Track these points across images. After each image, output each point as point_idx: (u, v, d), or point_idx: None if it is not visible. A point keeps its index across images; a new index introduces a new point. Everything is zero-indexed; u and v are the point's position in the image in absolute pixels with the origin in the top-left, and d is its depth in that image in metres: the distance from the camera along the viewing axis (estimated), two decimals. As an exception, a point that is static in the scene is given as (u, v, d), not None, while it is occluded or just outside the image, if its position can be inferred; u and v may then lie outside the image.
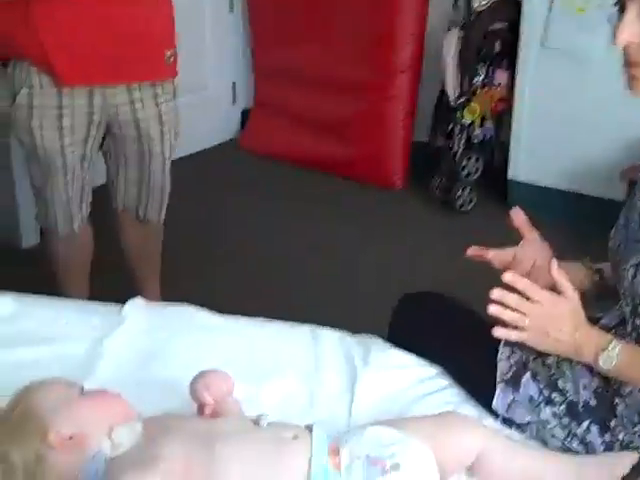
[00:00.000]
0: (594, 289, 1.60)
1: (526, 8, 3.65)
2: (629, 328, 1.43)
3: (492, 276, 3.31)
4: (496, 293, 1.35)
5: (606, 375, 1.39)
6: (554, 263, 1.36)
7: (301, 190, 4.13)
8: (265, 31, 4.51)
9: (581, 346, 1.37)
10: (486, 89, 3.82)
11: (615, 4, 1.27)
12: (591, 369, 1.45)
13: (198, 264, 3.36)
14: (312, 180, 4.20)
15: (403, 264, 3.43)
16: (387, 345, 1.69)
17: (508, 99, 3.86)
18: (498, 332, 1.35)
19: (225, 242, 3.59)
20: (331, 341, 1.69)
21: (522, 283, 1.36)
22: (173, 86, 2.46)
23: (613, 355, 1.34)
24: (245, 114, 4.77)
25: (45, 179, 2.37)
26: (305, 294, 3.14)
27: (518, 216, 1.60)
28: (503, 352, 1.55)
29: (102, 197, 2.62)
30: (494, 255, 1.61)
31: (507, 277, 1.37)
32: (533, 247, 1.59)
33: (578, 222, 3.46)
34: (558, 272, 1.36)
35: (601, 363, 1.36)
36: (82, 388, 1.31)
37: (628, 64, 1.28)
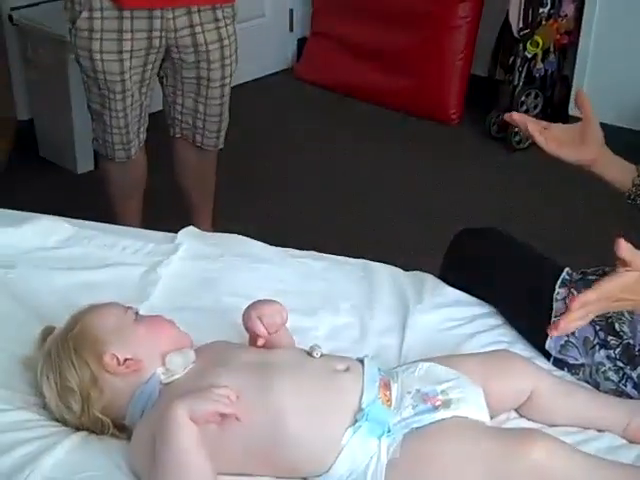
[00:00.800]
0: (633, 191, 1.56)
1: (598, -63, 3.52)
2: None
3: (547, 212, 3.31)
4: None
5: None
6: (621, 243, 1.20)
7: (356, 122, 4.08)
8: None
9: None
10: (551, 21, 3.70)
11: None
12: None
13: (252, 193, 3.37)
14: (367, 112, 4.15)
15: (459, 200, 3.39)
16: (440, 282, 1.68)
17: (574, 32, 3.74)
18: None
19: (280, 172, 3.59)
20: (384, 276, 1.68)
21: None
22: (233, 10, 2.42)
23: None
24: (302, 43, 4.70)
25: (103, 103, 2.37)
26: (361, 227, 3.13)
27: (584, 100, 1.53)
28: (559, 293, 1.53)
29: (158, 123, 2.62)
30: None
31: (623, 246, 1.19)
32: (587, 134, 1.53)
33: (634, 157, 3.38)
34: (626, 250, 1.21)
35: None
36: (137, 313, 1.32)
37: None
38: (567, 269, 1.58)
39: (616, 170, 1.57)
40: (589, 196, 3.08)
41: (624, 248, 1.17)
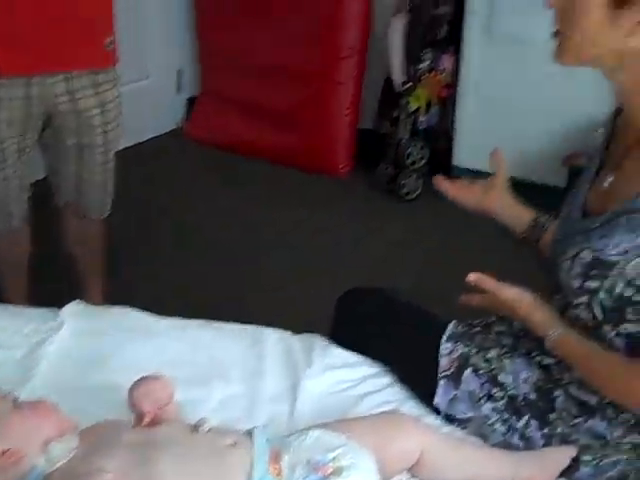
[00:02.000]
0: (523, 232, 1.66)
1: (470, -8, 3.66)
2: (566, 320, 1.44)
3: (437, 265, 3.36)
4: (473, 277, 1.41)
5: (552, 351, 1.41)
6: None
7: (247, 179, 4.10)
8: (210, 17, 4.45)
9: (534, 324, 1.41)
10: (432, 74, 3.83)
11: None
12: (530, 362, 1.47)
13: (144, 260, 3.31)
14: (259, 169, 4.17)
15: (349, 254, 3.43)
16: (330, 344, 1.68)
17: (454, 85, 3.87)
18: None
19: (174, 237, 3.54)
20: (274, 341, 1.68)
21: (489, 284, 1.41)
22: (114, 74, 2.40)
23: (555, 336, 1.37)
24: (191, 102, 4.71)
25: (-19, 174, 2.31)
26: (255, 289, 3.11)
27: (496, 151, 1.71)
28: (445, 348, 1.56)
29: (42, 192, 2.57)
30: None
31: (472, 277, 1.40)
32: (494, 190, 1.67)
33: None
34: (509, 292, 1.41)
35: (547, 343, 1.39)
36: (16, 399, 1.28)
37: (555, 35, 1.30)
38: (452, 323, 1.61)
39: (515, 214, 1.67)
40: (477, 244, 3.18)
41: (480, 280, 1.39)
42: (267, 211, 3.77)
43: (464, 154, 3.88)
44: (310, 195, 3.97)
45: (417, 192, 3.90)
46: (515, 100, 3.66)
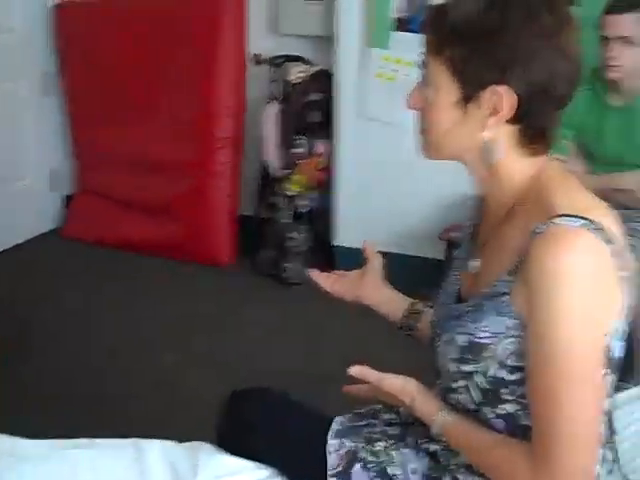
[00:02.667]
0: (403, 322, 1.67)
1: (338, 79, 3.76)
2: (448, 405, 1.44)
3: (325, 349, 3.34)
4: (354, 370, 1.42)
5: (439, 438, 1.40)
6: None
7: (129, 275, 4.02)
8: (83, 114, 4.42)
9: (419, 412, 1.41)
10: (308, 160, 3.88)
11: None
12: (418, 451, 1.46)
13: (22, 370, 3.13)
14: (140, 264, 4.11)
15: (235, 344, 3.37)
16: (216, 451, 1.63)
17: (330, 168, 3.93)
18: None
19: (54, 341, 3.39)
20: (155, 453, 1.61)
21: (371, 376, 1.42)
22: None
23: (440, 422, 1.37)
24: (68, 200, 4.62)
25: None
26: (135, 385, 3.01)
27: (367, 243, 1.72)
28: (331, 445, 1.53)
29: None
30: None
31: (354, 370, 1.41)
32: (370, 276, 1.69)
33: (407, 283, 3.52)
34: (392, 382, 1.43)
35: (433, 430, 1.38)
36: None
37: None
38: (337, 419, 1.59)
39: (391, 304, 1.69)
40: (364, 328, 3.18)
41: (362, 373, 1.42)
42: (150, 305, 3.69)
43: (345, 235, 3.92)
44: (194, 286, 3.92)
45: (302, 275, 3.91)
46: (390, 179, 3.74)
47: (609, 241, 1.19)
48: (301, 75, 3.79)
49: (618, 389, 1.39)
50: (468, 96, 1.26)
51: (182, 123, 4.04)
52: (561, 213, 1.19)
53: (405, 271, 3.69)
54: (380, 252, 3.81)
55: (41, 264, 4.17)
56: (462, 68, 1.24)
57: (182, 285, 3.93)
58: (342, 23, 3.67)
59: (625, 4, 2.62)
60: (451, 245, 3.31)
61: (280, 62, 3.85)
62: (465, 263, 1.45)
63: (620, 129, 2.84)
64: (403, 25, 3.54)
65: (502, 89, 1.23)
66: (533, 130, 1.28)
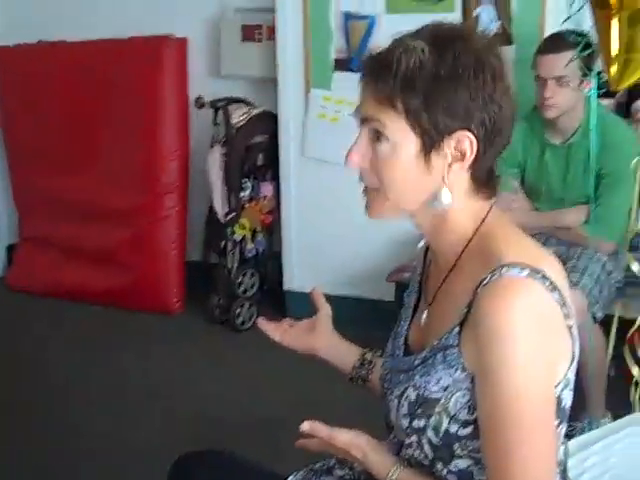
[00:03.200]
0: (354, 374, 1.62)
1: (282, 120, 3.73)
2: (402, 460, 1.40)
3: (278, 395, 3.27)
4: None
5: None
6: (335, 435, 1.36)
7: (76, 325, 3.93)
8: (23, 162, 4.36)
9: (372, 468, 1.37)
10: (254, 203, 3.84)
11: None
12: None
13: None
14: (88, 313, 4.02)
15: (186, 393, 3.29)
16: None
17: (276, 210, 3.89)
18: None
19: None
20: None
21: (322, 432, 1.36)
22: None
23: (394, 478, 1.32)
24: (11, 250, 4.52)
25: None
26: (83, 449, 2.89)
27: (316, 293, 1.68)
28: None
29: None
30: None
31: (305, 427, 1.35)
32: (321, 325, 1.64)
33: (359, 325, 3.47)
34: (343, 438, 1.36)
35: None
36: None
37: (363, 190, 1.29)
38: (291, 476, 1.56)
39: (341, 355, 1.63)
40: (319, 372, 3.13)
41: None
42: (98, 356, 3.59)
43: (294, 278, 3.88)
44: (144, 334, 3.83)
45: (252, 320, 3.84)
46: (337, 221, 3.70)
47: (554, 289, 1.18)
48: (244, 117, 3.75)
49: (569, 435, 1.36)
50: (431, 146, 1.21)
51: (126, 169, 3.99)
52: (507, 263, 1.17)
53: (356, 314, 3.65)
54: (330, 295, 3.78)
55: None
56: (422, 118, 1.20)
57: (131, 333, 3.84)
58: (283, 64, 3.66)
59: (558, 45, 2.64)
60: (400, 286, 3.27)
61: (222, 105, 3.81)
62: (413, 313, 1.43)
63: (559, 166, 2.85)
64: (343, 65, 3.53)
65: (467, 134, 1.20)
66: (483, 173, 1.26)
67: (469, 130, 1.21)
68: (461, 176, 1.24)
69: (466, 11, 3.24)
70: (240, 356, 3.61)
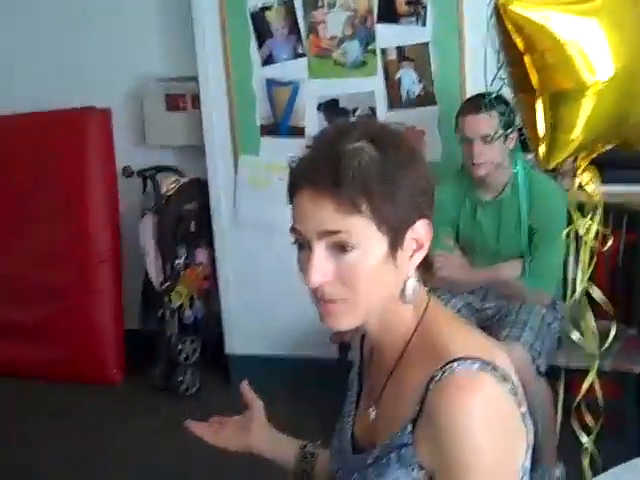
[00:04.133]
0: (297, 467, 1.58)
1: (212, 187, 3.76)
2: None
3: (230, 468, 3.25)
4: None
5: None
6: None
7: (14, 402, 3.85)
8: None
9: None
10: (189, 270, 3.84)
11: (294, 243, 1.23)
12: None
13: None
14: (27, 389, 3.93)
15: (129, 464, 3.26)
16: None
17: (213, 276, 3.89)
18: None
19: None
20: None
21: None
22: None
23: None
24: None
25: None
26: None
27: (244, 388, 1.62)
28: None
29: None
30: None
31: None
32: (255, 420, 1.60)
33: (303, 384, 3.52)
34: None
35: None
36: None
37: (321, 300, 1.22)
38: None
39: (280, 450, 1.59)
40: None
41: None
42: (35, 433, 3.54)
43: (236, 342, 3.88)
44: (84, 408, 3.78)
45: (196, 386, 3.84)
46: (275, 283, 3.72)
47: (505, 380, 1.18)
48: (173, 186, 3.76)
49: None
50: (397, 242, 1.20)
51: (57, 242, 3.95)
52: (457, 357, 1.17)
53: (300, 373, 3.68)
54: (273, 356, 3.79)
55: None
56: (389, 216, 1.18)
57: (71, 407, 3.78)
58: (210, 132, 3.69)
59: (478, 105, 2.72)
60: (343, 346, 3.31)
61: (151, 174, 3.81)
62: (357, 408, 1.41)
63: (492, 222, 2.94)
64: (269, 131, 3.58)
65: (426, 221, 1.22)
66: (428, 258, 1.26)
67: (425, 217, 1.22)
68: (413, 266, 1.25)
69: (388, 75, 3.33)
70: (182, 423, 3.57)
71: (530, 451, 1.24)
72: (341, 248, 1.18)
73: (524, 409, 1.22)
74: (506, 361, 1.23)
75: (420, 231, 1.22)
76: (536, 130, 1.68)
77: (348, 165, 1.16)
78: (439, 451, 1.16)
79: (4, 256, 4.07)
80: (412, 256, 1.22)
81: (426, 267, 1.28)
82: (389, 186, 1.18)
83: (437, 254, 1.32)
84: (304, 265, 1.21)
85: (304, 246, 1.22)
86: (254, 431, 1.59)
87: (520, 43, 1.57)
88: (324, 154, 1.19)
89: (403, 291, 1.24)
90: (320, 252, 1.19)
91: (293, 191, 1.22)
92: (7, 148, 4.02)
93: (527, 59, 1.59)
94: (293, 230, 1.22)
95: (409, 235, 1.21)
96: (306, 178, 1.19)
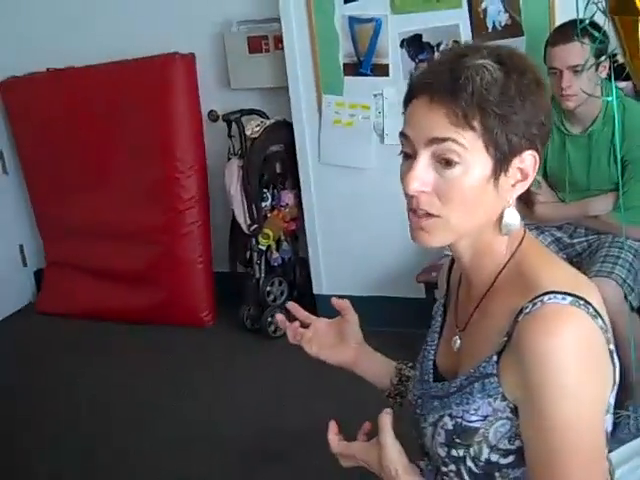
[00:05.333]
0: (392, 390, 1.57)
1: (297, 129, 3.74)
2: None
3: (321, 397, 3.30)
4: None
5: None
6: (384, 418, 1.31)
7: (110, 345, 3.98)
8: (45, 190, 4.40)
9: None
10: (275, 212, 3.86)
11: (400, 153, 1.23)
12: None
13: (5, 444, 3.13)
14: (121, 332, 4.07)
15: (228, 402, 3.35)
16: None
17: (299, 218, 3.91)
18: None
19: (40, 413, 3.38)
20: None
21: (383, 437, 1.31)
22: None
23: None
24: (39, 275, 4.57)
25: None
26: (129, 465, 2.99)
27: (336, 300, 1.58)
28: None
29: None
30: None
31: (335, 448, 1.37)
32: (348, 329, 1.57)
33: (391, 323, 3.52)
34: (384, 424, 1.31)
35: None
36: None
37: (414, 212, 1.22)
38: None
39: (376, 369, 1.58)
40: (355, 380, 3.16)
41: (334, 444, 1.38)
42: (139, 374, 3.66)
43: (323, 282, 3.91)
44: (178, 349, 3.88)
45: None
46: (360, 224, 3.72)
47: (597, 316, 1.17)
48: (258, 128, 3.77)
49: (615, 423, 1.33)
50: (502, 166, 1.18)
51: (145, 187, 4.01)
52: (548, 290, 1.16)
53: (389, 313, 3.69)
54: (361, 296, 3.79)
55: (18, 342, 4.12)
56: (498, 138, 1.16)
57: (166, 349, 3.89)
58: (293, 73, 3.66)
59: (568, 35, 2.62)
60: (429, 286, 3.29)
61: (236, 117, 3.82)
62: (440, 336, 1.41)
63: (582, 156, 2.85)
64: (352, 70, 3.53)
65: (533, 153, 1.19)
66: (527, 191, 1.24)
67: (535, 149, 1.19)
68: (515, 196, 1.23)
69: (472, 5, 3.23)
70: (275, 363, 3.64)
71: (615, 389, 1.23)
72: (445, 162, 1.17)
73: (612, 347, 1.21)
74: (598, 298, 1.21)
75: (527, 161, 1.20)
76: (638, 54, 1.60)
77: (469, 78, 1.16)
78: (527, 382, 1.15)
79: (94, 202, 4.16)
80: (515, 185, 1.21)
81: (526, 201, 1.26)
82: (506, 109, 1.16)
83: None
84: (405, 174, 1.21)
85: (409, 156, 1.22)
86: (350, 344, 1.56)
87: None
88: (448, 65, 1.19)
89: (500, 221, 1.22)
90: (424, 160, 1.19)
91: (409, 98, 1.22)
92: (94, 96, 4.08)
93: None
94: (402, 135, 1.22)
95: (516, 163, 1.19)
96: (425, 85, 1.19)
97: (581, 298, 1.16)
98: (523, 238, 1.27)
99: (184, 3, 3.94)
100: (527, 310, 1.15)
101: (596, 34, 1.77)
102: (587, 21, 1.76)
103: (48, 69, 4.20)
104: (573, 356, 1.13)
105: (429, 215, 1.20)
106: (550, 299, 1.15)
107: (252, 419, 3.20)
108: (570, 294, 1.16)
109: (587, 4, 1.65)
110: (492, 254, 1.26)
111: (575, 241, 2.93)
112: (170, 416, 3.31)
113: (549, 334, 1.13)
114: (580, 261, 2.87)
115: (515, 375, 1.17)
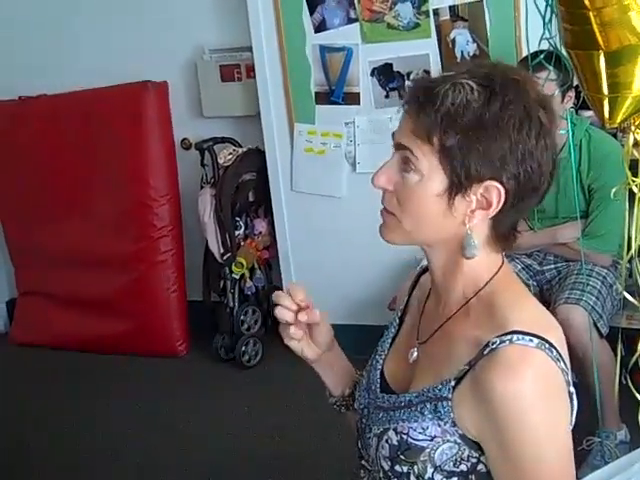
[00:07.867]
0: (340, 401, 1.53)
1: (269, 157, 3.75)
2: None
3: (293, 428, 3.28)
4: None
5: None
6: None
7: (81, 376, 3.94)
8: (17, 219, 4.36)
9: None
10: (249, 240, 3.86)
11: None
12: None
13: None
14: (92, 362, 4.03)
15: (200, 435, 3.31)
16: None
17: (272, 246, 3.90)
18: None
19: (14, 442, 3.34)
20: None
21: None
22: None
23: None
24: (11, 305, 4.53)
25: None
26: None
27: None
28: None
29: None
30: None
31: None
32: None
33: (363, 351, 3.44)
34: None
35: None
36: None
37: (382, 208, 1.28)
38: None
39: (336, 375, 1.52)
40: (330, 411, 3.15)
41: None
42: (106, 404, 3.62)
43: (297, 311, 3.88)
44: (151, 379, 3.84)
45: (258, 357, 3.87)
46: (333, 251, 3.72)
47: (559, 359, 1.18)
48: (231, 156, 3.77)
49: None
50: (458, 189, 1.19)
51: (118, 216, 4.00)
52: (516, 330, 1.16)
53: (361, 341, 3.63)
54: (334, 325, 3.74)
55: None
56: (456, 160, 1.17)
57: (138, 379, 3.86)
58: (265, 102, 3.67)
59: (534, 66, 2.63)
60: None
61: (209, 145, 3.83)
62: (392, 346, 1.41)
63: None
64: (324, 99, 3.55)
65: (497, 185, 1.18)
66: (506, 227, 1.25)
67: (500, 182, 1.18)
68: (482, 224, 1.23)
69: (441, 36, 3.26)
70: (249, 394, 3.62)
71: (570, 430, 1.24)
72: (406, 166, 1.22)
73: (572, 389, 1.22)
74: (562, 341, 1.23)
75: (490, 192, 1.19)
76: (597, 88, 1.61)
77: (441, 95, 1.17)
78: (490, 424, 1.16)
79: (67, 230, 4.13)
80: (474, 212, 1.20)
81: (505, 236, 1.26)
82: (470, 136, 1.16)
83: None
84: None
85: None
86: (321, 346, 1.48)
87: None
88: (434, 78, 1.22)
89: (466, 246, 1.23)
90: (394, 161, 1.24)
91: (402, 103, 1.26)
92: (66, 125, 4.07)
93: (592, 15, 1.52)
94: (392, 135, 1.27)
95: (478, 190, 1.19)
96: (408, 93, 1.24)
97: (547, 341, 1.17)
98: (500, 268, 1.27)
99: (156, 32, 3.95)
100: (494, 346, 1.16)
101: (559, 66, 1.79)
102: (542, 56, 1.78)
103: (20, 97, 4.19)
104: (537, 398, 1.15)
105: (388, 212, 1.26)
106: (518, 339, 1.16)
107: (225, 448, 3.17)
108: (537, 336, 1.17)
109: (540, 39, 1.67)
110: (463, 276, 1.27)
111: (545, 268, 2.95)
112: (141, 446, 3.26)
113: (514, 378, 1.14)
114: (550, 288, 2.88)
115: (473, 412, 1.18)
